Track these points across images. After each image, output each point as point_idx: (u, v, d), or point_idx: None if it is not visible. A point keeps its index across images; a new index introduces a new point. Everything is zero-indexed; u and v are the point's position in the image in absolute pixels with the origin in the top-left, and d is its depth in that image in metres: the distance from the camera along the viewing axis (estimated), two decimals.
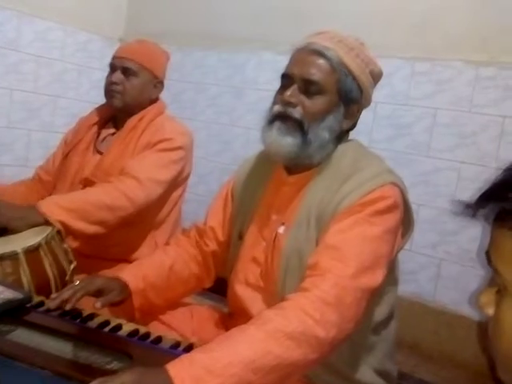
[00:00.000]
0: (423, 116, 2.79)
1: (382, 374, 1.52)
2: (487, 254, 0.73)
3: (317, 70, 1.44)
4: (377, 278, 1.32)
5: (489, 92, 2.61)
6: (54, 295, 1.44)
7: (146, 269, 1.62)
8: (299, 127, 1.44)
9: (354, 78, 1.47)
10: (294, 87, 1.45)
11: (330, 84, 1.45)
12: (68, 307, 1.38)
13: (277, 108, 1.47)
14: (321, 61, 1.45)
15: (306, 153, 1.45)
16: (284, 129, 1.45)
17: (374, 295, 1.43)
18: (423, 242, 2.73)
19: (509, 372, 0.72)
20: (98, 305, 1.42)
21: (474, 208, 0.71)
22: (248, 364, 1.08)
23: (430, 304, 2.76)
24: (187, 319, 1.67)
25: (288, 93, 1.45)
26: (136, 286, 1.56)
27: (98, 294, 1.47)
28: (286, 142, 1.44)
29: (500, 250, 0.70)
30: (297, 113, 1.44)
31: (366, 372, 1.48)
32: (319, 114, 1.44)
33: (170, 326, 1.62)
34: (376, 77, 1.54)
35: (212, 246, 1.70)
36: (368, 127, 2.91)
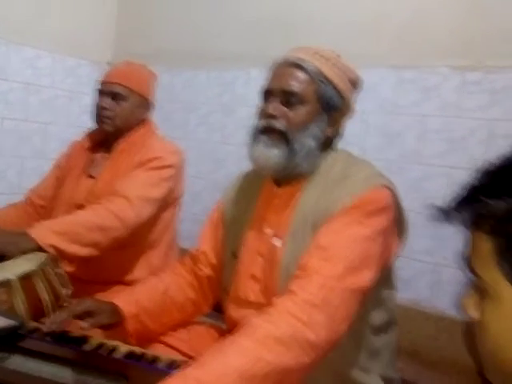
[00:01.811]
0: (412, 123, 2.79)
1: (386, 380, 1.52)
2: (467, 258, 0.73)
3: (295, 81, 1.48)
4: (366, 278, 1.33)
5: (476, 96, 2.61)
6: (45, 320, 1.44)
7: (138, 294, 1.63)
8: (284, 138, 1.46)
9: (334, 87, 1.50)
10: (276, 100, 1.49)
11: (310, 93, 1.48)
12: (54, 327, 1.39)
13: (261, 123, 1.50)
14: (298, 72, 1.49)
15: (294, 163, 1.47)
16: (269, 141, 1.47)
17: (372, 299, 1.46)
18: (419, 248, 2.72)
19: (496, 372, 0.72)
20: (84, 325, 1.43)
21: (449, 213, 0.72)
22: (241, 374, 1.09)
23: (428, 310, 2.74)
24: (185, 338, 1.66)
25: (270, 106, 1.48)
26: (129, 311, 1.56)
27: (87, 315, 1.47)
28: (273, 153, 1.46)
29: (478, 253, 0.70)
30: (280, 124, 1.47)
31: (373, 378, 1.49)
32: (302, 124, 1.47)
33: (170, 346, 1.62)
34: (356, 84, 1.57)
35: (206, 270, 1.70)
36: (359, 137, 2.91)
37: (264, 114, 1.49)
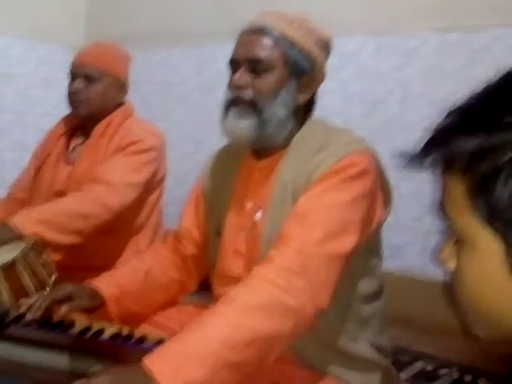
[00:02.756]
0: (394, 89, 2.78)
1: (377, 348, 1.50)
2: (440, 205, 0.71)
3: (260, 48, 1.44)
4: (346, 244, 1.30)
5: (457, 57, 2.59)
6: (21, 301, 1.46)
7: (119, 276, 1.61)
8: (253, 108, 1.43)
9: (300, 49, 1.45)
10: (242, 70, 1.45)
11: (276, 59, 1.44)
12: (38, 315, 1.39)
13: (229, 94, 1.47)
14: (262, 38, 1.44)
15: (266, 133, 1.45)
16: (238, 113, 1.44)
17: (360, 269, 1.45)
18: (407, 215, 2.72)
19: (478, 324, 0.71)
20: (66, 309, 1.42)
21: (419, 158, 0.68)
22: (223, 342, 1.07)
23: (419, 277, 2.75)
24: (175, 317, 1.64)
25: (236, 76, 1.45)
26: (110, 294, 1.54)
27: (67, 300, 1.47)
28: (243, 125, 1.44)
29: (450, 196, 0.68)
30: (248, 94, 1.44)
31: (363, 346, 1.47)
32: (271, 92, 1.44)
33: (160, 326, 1.60)
34: (324, 44, 1.51)
35: (190, 248, 1.68)
36: (340, 107, 2.88)
37: (231, 86, 1.46)
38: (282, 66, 1.44)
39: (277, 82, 1.44)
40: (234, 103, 1.45)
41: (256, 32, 1.45)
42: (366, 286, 1.50)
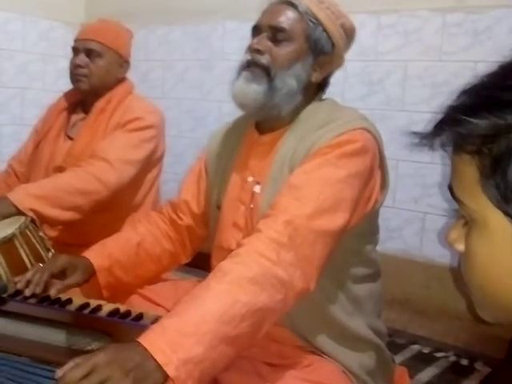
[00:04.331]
0: (394, 70, 2.75)
1: (372, 329, 1.51)
2: (450, 187, 0.70)
3: (284, 18, 1.46)
4: (335, 221, 1.30)
5: (458, 38, 2.57)
6: (17, 278, 1.46)
7: (111, 247, 1.62)
8: (266, 74, 1.44)
9: (324, 29, 1.47)
10: (262, 35, 1.47)
11: (298, 32, 1.46)
12: (38, 290, 1.39)
13: (245, 57, 1.49)
14: (288, 10, 1.47)
15: (273, 101, 1.45)
16: (250, 76, 1.45)
17: (355, 253, 1.46)
18: (405, 197, 2.70)
19: (484, 306, 0.70)
20: (53, 292, 1.42)
21: (430, 137, 0.67)
22: (219, 317, 1.07)
23: (417, 259, 2.74)
24: (171, 293, 1.64)
25: (255, 40, 1.47)
26: (100, 264, 1.56)
27: (61, 273, 1.48)
28: (252, 89, 1.44)
29: (461, 177, 0.66)
30: (264, 59, 1.45)
31: (359, 324, 1.47)
32: (286, 62, 1.45)
33: (154, 302, 1.61)
34: (348, 30, 1.53)
35: (186, 219, 1.68)
36: (339, 87, 2.86)
37: (250, 49, 1.48)
38: (303, 40, 1.46)
39: (294, 53, 1.46)
40: (248, 66, 1.47)
41: (284, 3, 1.48)
42: (357, 268, 1.50)
